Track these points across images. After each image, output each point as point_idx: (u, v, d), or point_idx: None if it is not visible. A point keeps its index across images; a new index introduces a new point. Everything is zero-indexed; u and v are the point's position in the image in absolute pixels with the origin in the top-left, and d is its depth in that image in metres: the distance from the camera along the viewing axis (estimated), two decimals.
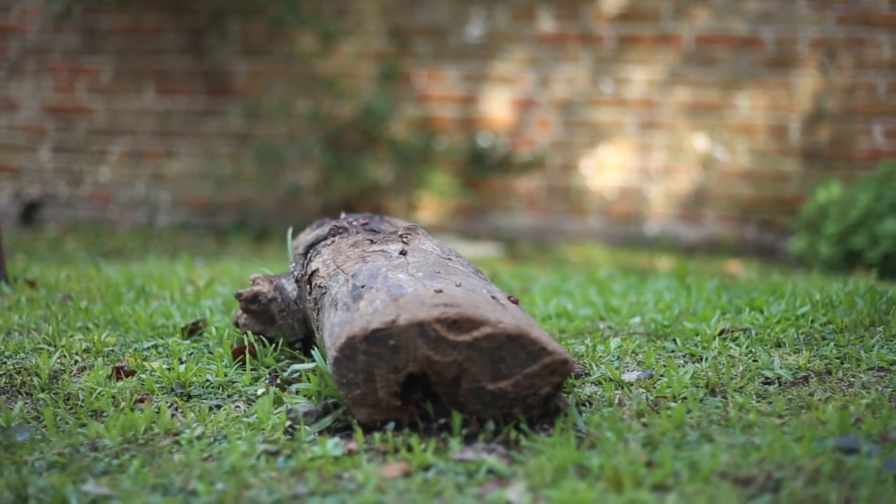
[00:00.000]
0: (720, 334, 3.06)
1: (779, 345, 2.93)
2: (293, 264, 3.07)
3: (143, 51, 8.31)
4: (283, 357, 2.98)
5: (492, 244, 7.62)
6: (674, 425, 2.26)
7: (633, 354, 2.95)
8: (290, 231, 3.34)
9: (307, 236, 3.12)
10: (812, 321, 3.13)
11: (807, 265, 6.47)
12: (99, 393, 2.66)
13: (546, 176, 7.85)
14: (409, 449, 2.20)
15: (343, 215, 3.23)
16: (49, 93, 8.48)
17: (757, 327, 3.12)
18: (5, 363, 2.91)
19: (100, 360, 2.94)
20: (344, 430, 2.35)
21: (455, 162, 7.95)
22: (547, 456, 2.11)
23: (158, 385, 2.74)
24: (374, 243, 2.80)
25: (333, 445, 2.21)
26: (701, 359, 2.85)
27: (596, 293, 4.08)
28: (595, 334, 3.22)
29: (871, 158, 7.27)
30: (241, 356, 2.92)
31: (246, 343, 2.97)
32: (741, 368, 2.70)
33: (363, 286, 2.46)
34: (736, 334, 3.04)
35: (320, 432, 2.34)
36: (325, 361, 2.48)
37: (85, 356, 3.01)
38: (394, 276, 2.48)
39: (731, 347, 2.91)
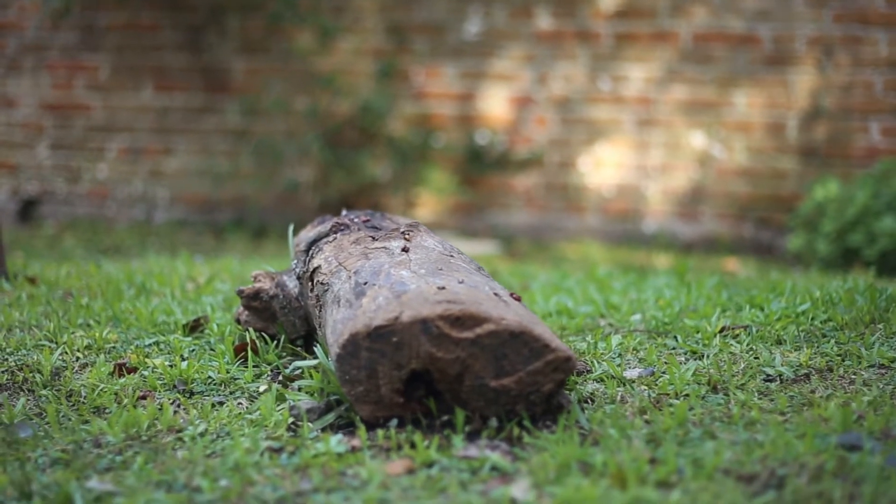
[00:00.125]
0: (721, 331, 3.07)
1: (780, 342, 2.94)
2: (295, 261, 3.07)
3: (141, 48, 8.30)
4: (284, 354, 2.98)
5: (490, 242, 7.63)
6: (676, 422, 2.26)
7: (635, 352, 2.95)
8: (290, 228, 3.34)
9: (308, 233, 3.12)
10: (812, 318, 3.13)
11: (804, 263, 6.48)
12: (101, 390, 2.66)
13: (544, 173, 7.85)
14: (413, 446, 2.20)
15: (344, 212, 3.23)
16: (47, 90, 8.47)
17: (757, 324, 3.12)
18: (7, 360, 2.91)
19: (101, 356, 2.94)
20: (347, 426, 2.36)
21: (453, 159, 7.95)
22: (550, 453, 2.11)
23: (161, 382, 2.74)
24: (377, 240, 2.80)
25: (337, 442, 2.21)
26: (702, 356, 2.85)
27: (596, 290, 4.08)
28: (596, 331, 3.23)
29: (868, 156, 7.28)
30: (242, 353, 2.92)
31: (248, 340, 2.97)
32: (742, 366, 2.70)
33: (366, 283, 2.46)
34: (737, 331, 3.05)
35: (323, 429, 2.34)
36: (328, 358, 2.48)
37: (86, 353, 3.01)
38: (396, 272, 2.48)
39: (732, 345, 2.91)
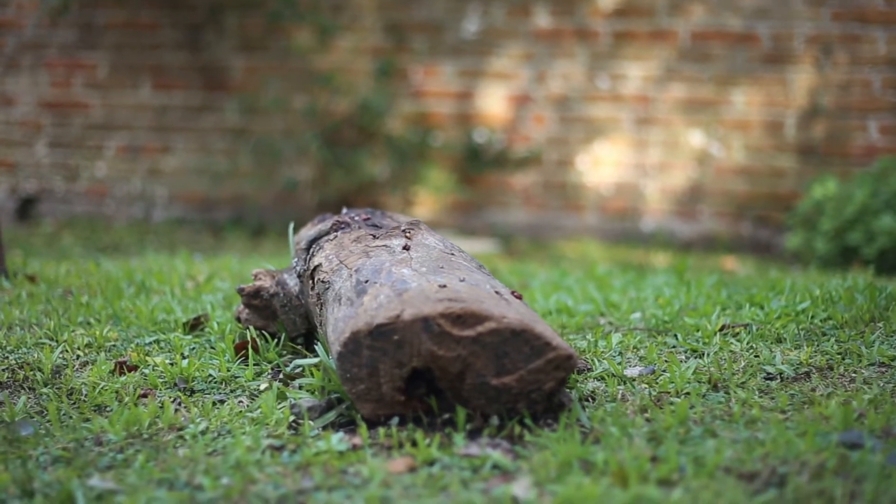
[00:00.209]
0: (721, 330, 3.07)
1: (779, 340, 2.94)
2: (295, 259, 3.07)
3: (140, 46, 8.30)
4: (285, 352, 2.98)
5: (488, 240, 7.63)
6: (677, 420, 2.27)
7: (635, 350, 2.96)
8: (291, 226, 3.34)
9: (309, 231, 3.12)
10: (812, 317, 3.14)
11: (803, 261, 6.48)
12: (102, 388, 2.66)
13: (542, 172, 7.86)
14: (414, 444, 2.20)
15: (344, 210, 3.23)
16: (45, 88, 8.46)
17: (757, 323, 3.12)
18: (7, 358, 2.91)
19: (102, 354, 2.94)
20: (348, 424, 2.36)
21: (451, 158, 7.95)
22: (551, 451, 2.11)
23: (161, 380, 2.74)
24: (377, 238, 2.80)
25: (338, 440, 2.21)
26: (702, 354, 2.85)
27: (595, 289, 4.08)
28: (596, 330, 3.23)
29: (866, 154, 7.29)
30: (243, 351, 2.92)
31: (248, 338, 2.98)
32: (743, 364, 2.71)
33: (367, 281, 2.46)
34: (737, 330, 3.05)
35: (324, 427, 2.34)
36: (329, 356, 2.49)
37: (87, 351, 3.01)
38: (397, 271, 2.49)
39: (732, 343, 2.92)
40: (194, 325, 3.27)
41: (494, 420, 2.26)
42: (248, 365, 2.84)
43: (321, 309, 2.69)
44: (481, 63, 7.87)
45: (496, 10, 7.80)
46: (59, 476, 2.10)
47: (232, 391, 2.68)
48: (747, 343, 2.91)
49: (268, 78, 8.12)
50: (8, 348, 3.00)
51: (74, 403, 2.60)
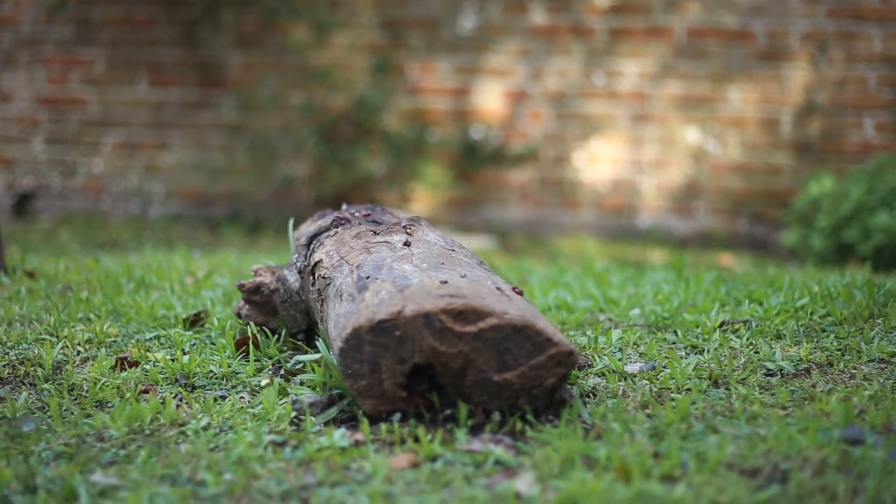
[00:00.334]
0: (720, 326, 3.08)
1: (779, 336, 2.95)
2: (296, 255, 3.07)
3: (137, 42, 8.29)
4: (285, 348, 2.98)
5: (485, 236, 7.63)
6: (679, 416, 2.27)
7: (635, 346, 2.96)
8: (291, 222, 3.34)
9: (309, 227, 3.13)
10: (811, 313, 3.15)
11: (799, 258, 6.49)
12: (103, 384, 2.66)
13: (539, 168, 7.86)
14: (416, 440, 2.21)
15: (344, 206, 3.23)
16: (42, 84, 8.45)
17: (757, 319, 3.13)
18: (8, 354, 2.91)
19: (102, 350, 2.94)
20: (349, 420, 2.36)
21: (448, 154, 7.96)
22: (554, 447, 2.12)
23: (162, 376, 2.74)
24: (378, 234, 2.81)
25: (340, 436, 2.22)
26: (702, 350, 2.86)
27: (594, 285, 4.09)
28: (596, 326, 3.23)
29: (862, 152, 7.30)
30: (243, 347, 2.92)
31: (249, 334, 2.98)
32: (743, 360, 2.71)
33: (368, 277, 2.47)
34: (736, 326, 3.06)
35: (326, 423, 2.35)
36: (330, 352, 2.49)
37: (87, 347, 3.01)
38: (399, 266, 2.49)
39: (731, 339, 2.92)
40: (194, 321, 3.27)
41: (496, 416, 2.27)
42: (248, 361, 2.84)
43: (322, 305, 2.70)
44: (478, 59, 7.87)
45: (492, 7, 7.80)
46: (62, 472, 2.11)
47: (233, 387, 2.68)
48: (747, 339, 2.91)
49: (264, 74, 8.12)
50: (8, 344, 3.00)
51: (76, 399, 2.60)
